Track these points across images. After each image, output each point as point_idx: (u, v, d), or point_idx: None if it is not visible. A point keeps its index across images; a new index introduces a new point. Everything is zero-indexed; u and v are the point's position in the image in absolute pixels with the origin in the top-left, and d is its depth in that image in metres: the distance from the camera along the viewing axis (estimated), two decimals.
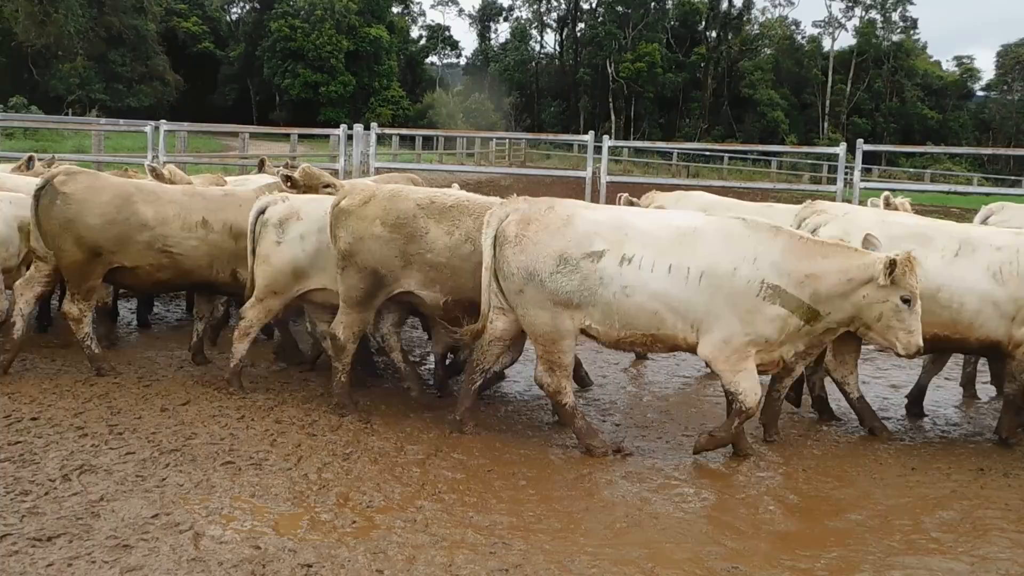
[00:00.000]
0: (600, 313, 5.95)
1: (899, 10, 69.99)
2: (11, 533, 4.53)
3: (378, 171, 13.29)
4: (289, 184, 7.86)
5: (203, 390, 7.23)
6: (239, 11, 68.22)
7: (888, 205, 8.69)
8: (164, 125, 14.75)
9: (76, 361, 7.87)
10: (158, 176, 9.07)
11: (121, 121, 26.54)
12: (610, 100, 66.21)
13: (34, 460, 5.53)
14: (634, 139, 57.06)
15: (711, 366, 6.05)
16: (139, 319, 9.77)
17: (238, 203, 7.68)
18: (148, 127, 14.56)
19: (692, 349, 6.01)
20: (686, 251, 5.88)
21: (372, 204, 6.58)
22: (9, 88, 42.59)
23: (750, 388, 5.88)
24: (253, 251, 7.16)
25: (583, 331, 6.08)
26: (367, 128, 14.09)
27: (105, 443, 5.89)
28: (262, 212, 7.15)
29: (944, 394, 8.41)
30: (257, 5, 64.98)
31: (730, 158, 43.58)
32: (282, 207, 7.17)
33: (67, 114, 40.94)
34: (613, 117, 65.39)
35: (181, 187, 8.28)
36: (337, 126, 14.73)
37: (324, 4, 57.50)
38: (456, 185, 10.39)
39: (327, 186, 7.90)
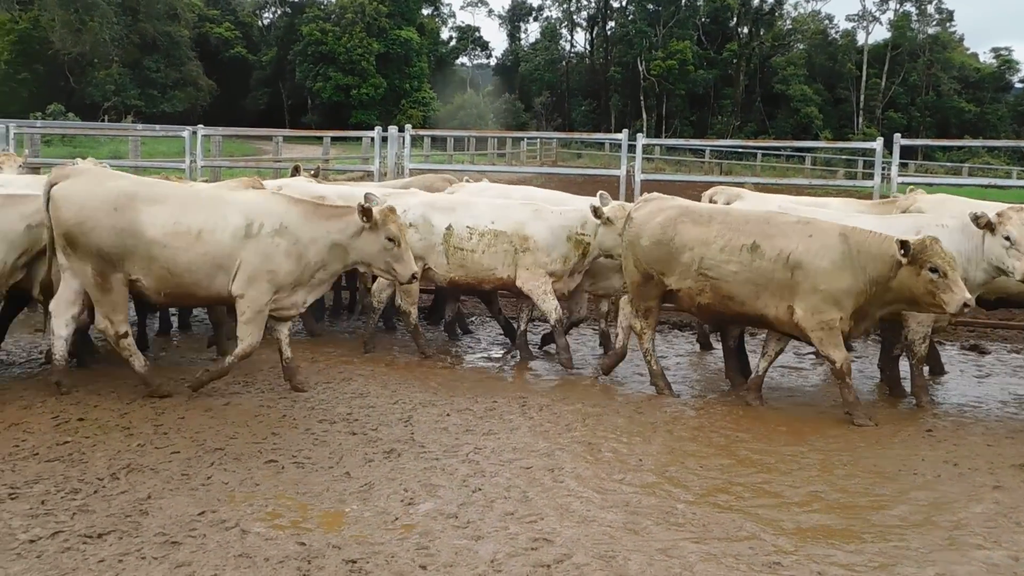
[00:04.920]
0: None
1: (934, 2, 69.06)
2: (63, 530, 4.63)
3: (412, 172, 13.33)
4: None
5: (245, 390, 7.32)
6: (270, 16, 68.90)
7: None
8: (201, 130, 14.92)
9: (119, 363, 7.98)
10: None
11: (158, 127, 26.90)
12: (641, 98, 65.92)
13: (82, 459, 5.64)
14: (666, 137, 56.82)
15: None
16: (180, 322, 9.90)
17: (808, 233, 6.96)
18: (186, 132, 14.74)
19: None
20: None
21: None
22: (47, 96, 43.35)
23: None
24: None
25: None
26: (401, 130, 14.14)
27: (151, 443, 5.98)
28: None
29: (987, 388, 8.33)
30: (288, 9, 65.56)
31: (763, 155, 43.24)
32: None
33: (103, 120, 41.62)
34: (644, 115, 65.12)
35: (735, 210, 7.76)
36: (369, 128, 14.81)
37: (354, 7, 57.82)
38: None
39: None
